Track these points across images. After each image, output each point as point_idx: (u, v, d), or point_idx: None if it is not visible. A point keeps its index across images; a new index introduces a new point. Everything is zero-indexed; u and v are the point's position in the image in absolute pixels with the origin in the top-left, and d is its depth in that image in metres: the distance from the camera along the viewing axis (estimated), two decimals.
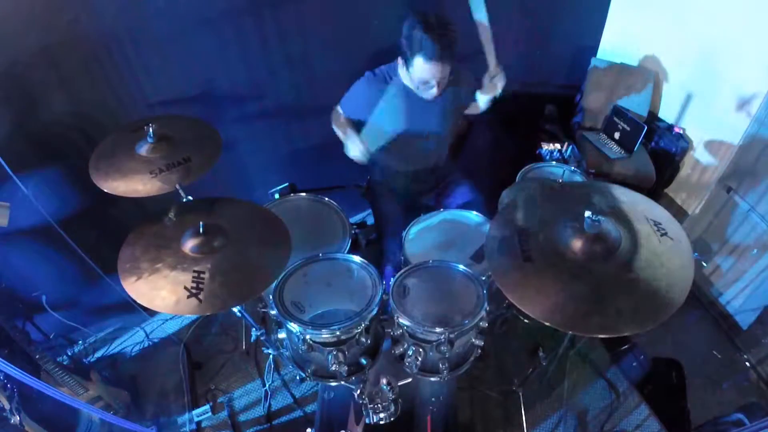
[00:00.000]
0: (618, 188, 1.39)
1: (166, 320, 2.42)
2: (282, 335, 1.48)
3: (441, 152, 1.98)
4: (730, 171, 2.17)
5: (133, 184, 1.49)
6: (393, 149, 1.85)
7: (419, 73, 1.60)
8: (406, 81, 1.75)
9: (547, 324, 1.09)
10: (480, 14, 1.53)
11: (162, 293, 1.21)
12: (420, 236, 1.75)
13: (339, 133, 1.87)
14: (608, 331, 1.10)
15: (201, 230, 1.32)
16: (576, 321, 1.10)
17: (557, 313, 1.11)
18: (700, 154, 2.52)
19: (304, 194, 1.93)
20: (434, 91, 1.66)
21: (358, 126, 1.81)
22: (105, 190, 1.48)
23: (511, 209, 1.40)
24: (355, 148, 1.72)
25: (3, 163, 1.64)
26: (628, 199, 1.35)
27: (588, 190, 1.41)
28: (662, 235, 1.23)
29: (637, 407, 2.01)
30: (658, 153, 2.59)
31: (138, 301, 1.22)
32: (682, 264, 1.19)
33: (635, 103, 2.61)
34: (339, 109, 1.89)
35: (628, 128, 2.52)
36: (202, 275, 1.25)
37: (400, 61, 1.68)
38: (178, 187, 1.53)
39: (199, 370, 2.23)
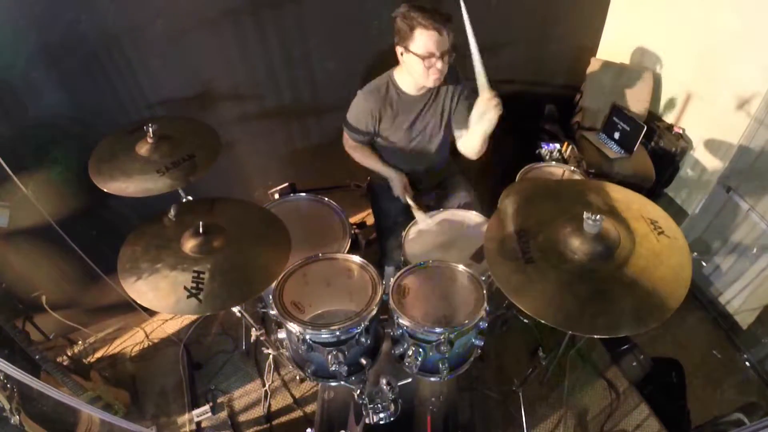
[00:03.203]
0: (613, 187, 1.39)
1: (166, 320, 2.42)
2: (282, 335, 1.48)
3: (442, 152, 1.98)
4: (730, 171, 2.17)
5: (141, 184, 1.50)
6: (394, 149, 1.86)
7: (423, 46, 1.58)
8: (404, 83, 1.74)
9: (549, 324, 1.10)
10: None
11: (162, 293, 1.21)
12: (420, 236, 1.75)
13: (367, 163, 1.93)
14: (611, 332, 1.10)
15: (201, 230, 1.32)
16: (579, 321, 1.10)
17: (560, 313, 1.11)
18: (699, 154, 2.51)
19: (304, 194, 1.93)
20: (439, 67, 1.61)
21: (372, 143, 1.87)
22: (112, 192, 1.49)
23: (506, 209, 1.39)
24: (398, 188, 1.84)
25: (3, 163, 1.64)
26: (623, 197, 1.35)
27: (584, 189, 1.41)
28: (659, 233, 1.23)
29: (637, 407, 2.01)
30: (658, 153, 2.58)
31: (138, 301, 1.22)
32: (680, 262, 1.19)
33: (635, 103, 2.61)
34: (346, 134, 1.90)
35: (628, 128, 2.52)
36: (202, 275, 1.25)
37: (398, 49, 1.66)
38: (179, 192, 1.53)
39: (199, 370, 2.23)
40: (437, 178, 2.06)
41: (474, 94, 1.66)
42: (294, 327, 1.32)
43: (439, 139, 1.89)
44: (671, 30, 2.47)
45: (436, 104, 1.81)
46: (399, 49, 1.66)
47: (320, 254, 1.53)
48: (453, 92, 1.81)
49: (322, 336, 1.32)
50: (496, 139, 1.82)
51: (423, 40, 1.57)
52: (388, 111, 1.77)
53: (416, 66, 1.62)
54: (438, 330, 1.31)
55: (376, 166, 1.90)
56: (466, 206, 1.88)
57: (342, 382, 1.43)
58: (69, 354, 2.22)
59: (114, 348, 2.33)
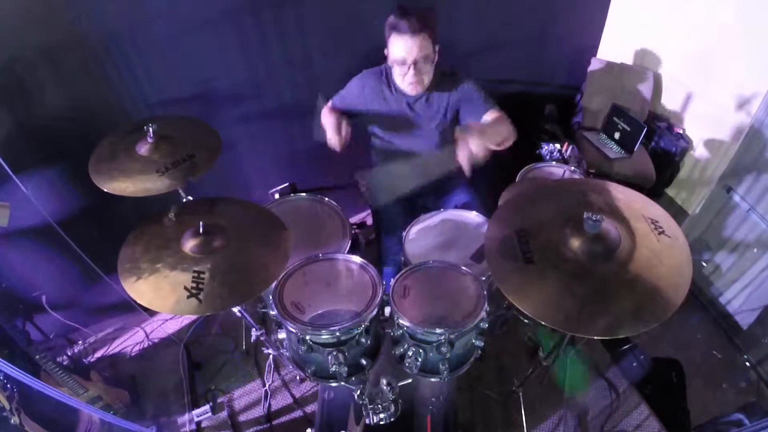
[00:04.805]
0: (614, 186, 1.39)
1: (166, 320, 2.42)
2: (282, 335, 1.48)
3: (438, 154, 1.98)
4: (730, 171, 2.17)
5: (141, 184, 1.51)
6: (393, 149, 1.85)
7: (394, 51, 1.57)
8: (398, 80, 1.74)
9: (549, 326, 1.09)
10: None
11: (162, 293, 1.21)
12: (420, 236, 1.75)
13: (325, 120, 1.71)
14: (611, 333, 1.10)
15: (201, 230, 1.32)
16: (579, 323, 1.10)
17: (560, 314, 1.11)
18: (700, 153, 2.51)
19: (304, 194, 1.93)
20: (411, 75, 1.59)
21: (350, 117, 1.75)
22: (112, 192, 1.49)
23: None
24: (331, 132, 1.62)
25: (3, 163, 1.64)
26: (625, 196, 1.35)
27: (585, 188, 1.41)
28: (660, 233, 1.23)
29: (637, 407, 2.01)
30: (658, 153, 2.58)
31: (138, 301, 1.22)
32: (680, 262, 1.19)
33: (635, 103, 2.61)
34: (329, 103, 1.84)
35: (628, 128, 2.51)
36: (202, 275, 1.25)
37: (386, 52, 1.67)
38: (179, 192, 1.53)
39: (199, 370, 2.23)
40: (436, 178, 2.05)
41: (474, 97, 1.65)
42: (294, 327, 1.32)
43: (434, 142, 1.88)
44: (671, 30, 2.47)
45: (428, 108, 1.80)
46: (386, 52, 1.66)
47: (320, 254, 1.53)
48: (448, 99, 1.79)
49: (323, 336, 1.32)
50: None
51: (396, 45, 1.56)
52: (382, 97, 1.77)
53: (395, 71, 1.62)
54: (438, 331, 1.31)
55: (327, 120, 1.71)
56: (466, 206, 1.88)
57: (342, 383, 1.43)
58: (69, 354, 2.23)
59: (114, 348, 2.33)
